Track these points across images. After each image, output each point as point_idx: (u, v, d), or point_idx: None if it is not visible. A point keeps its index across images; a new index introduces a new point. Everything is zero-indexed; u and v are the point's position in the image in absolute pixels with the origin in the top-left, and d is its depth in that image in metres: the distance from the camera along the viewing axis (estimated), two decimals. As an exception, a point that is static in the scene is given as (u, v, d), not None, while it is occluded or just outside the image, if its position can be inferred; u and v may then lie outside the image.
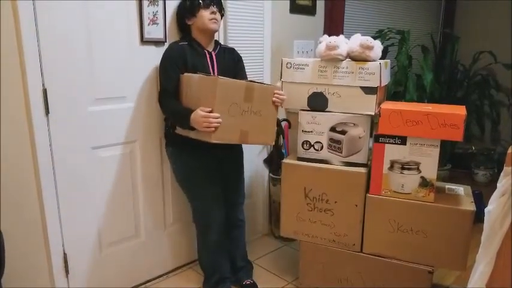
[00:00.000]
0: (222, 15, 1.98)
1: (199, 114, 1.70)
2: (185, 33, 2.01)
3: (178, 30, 2.06)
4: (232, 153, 2.10)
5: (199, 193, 2.01)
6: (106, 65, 1.89)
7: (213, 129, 1.68)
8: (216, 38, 2.30)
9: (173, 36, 2.08)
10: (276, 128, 1.90)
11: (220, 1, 1.97)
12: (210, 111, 1.69)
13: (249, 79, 1.97)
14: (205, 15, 1.89)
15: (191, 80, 1.83)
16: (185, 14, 1.94)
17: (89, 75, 1.84)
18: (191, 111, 1.74)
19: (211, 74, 1.93)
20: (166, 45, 2.07)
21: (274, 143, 1.90)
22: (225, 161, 2.06)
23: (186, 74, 1.87)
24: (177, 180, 2.09)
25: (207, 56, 1.96)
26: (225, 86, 1.69)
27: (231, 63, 2.05)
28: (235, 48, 2.12)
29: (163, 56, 1.93)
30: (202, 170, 1.97)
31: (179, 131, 1.90)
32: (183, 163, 2.00)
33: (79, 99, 1.83)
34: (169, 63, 1.90)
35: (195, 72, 1.86)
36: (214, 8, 1.91)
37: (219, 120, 1.68)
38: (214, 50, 2.00)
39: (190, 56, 1.90)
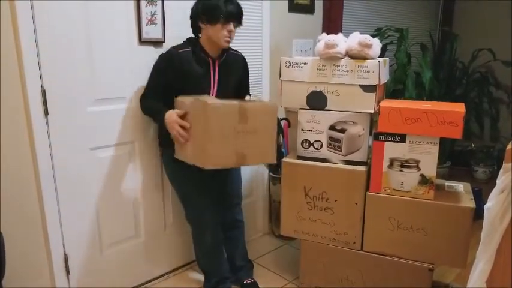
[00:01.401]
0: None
1: (172, 119, 1.73)
2: (194, 33, 1.94)
3: (191, 27, 1.94)
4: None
5: (191, 198, 2.01)
6: (105, 65, 1.89)
7: (183, 141, 1.72)
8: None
9: (172, 36, 2.08)
10: (276, 145, 1.78)
11: (242, 16, 1.86)
12: (184, 115, 1.71)
13: (245, 99, 1.92)
14: (222, 31, 1.81)
15: (184, 106, 1.76)
16: (201, 16, 1.84)
17: (87, 75, 1.84)
18: (166, 110, 1.77)
19: (211, 84, 1.90)
20: (165, 45, 2.07)
21: (275, 161, 1.80)
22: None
23: (179, 98, 1.80)
24: (170, 181, 2.11)
25: (210, 63, 1.91)
26: (216, 110, 1.61)
27: (235, 72, 2.01)
28: (237, 49, 2.10)
29: (158, 58, 1.91)
30: (194, 174, 1.88)
31: (177, 155, 1.86)
32: (175, 167, 1.98)
33: (78, 100, 1.83)
34: (160, 70, 1.88)
35: (191, 79, 1.84)
36: (232, 26, 1.82)
37: (185, 135, 1.70)
38: (219, 57, 1.93)
39: (189, 64, 1.86)
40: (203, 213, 2.00)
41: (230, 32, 1.82)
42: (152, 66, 1.93)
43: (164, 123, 1.78)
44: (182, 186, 2.03)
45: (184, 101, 1.76)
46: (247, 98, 2.08)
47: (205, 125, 1.62)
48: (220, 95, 1.92)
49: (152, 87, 1.92)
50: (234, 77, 2.01)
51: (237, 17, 1.83)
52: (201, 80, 1.89)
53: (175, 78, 1.86)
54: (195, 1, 1.89)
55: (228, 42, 1.86)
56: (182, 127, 1.72)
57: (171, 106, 1.83)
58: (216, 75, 1.92)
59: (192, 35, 1.95)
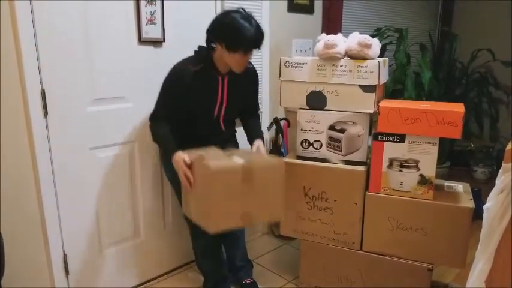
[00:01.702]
0: None
1: (180, 165, 1.67)
2: (206, 49, 1.80)
3: (205, 41, 1.81)
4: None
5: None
6: (104, 65, 1.89)
7: (187, 184, 1.67)
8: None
9: (172, 36, 2.08)
10: (283, 200, 1.71)
11: (262, 43, 1.75)
12: (190, 165, 1.66)
13: (247, 157, 1.77)
14: (238, 59, 1.72)
15: (190, 154, 1.71)
16: (221, 40, 1.71)
17: (87, 75, 1.84)
18: (176, 149, 1.72)
19: (218, 101, 1.85)
20: (165, 45, 2.07)
21: (283, 218, 1.73)
22: None
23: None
24: (169, 181, 2.11)
25: (220, 80, 1.84)
26: (219, 174, 1.54)
27: (244, 86, 1.93)
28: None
29: (168, 77, 1.81)
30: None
31: (184, 211, 1.83)
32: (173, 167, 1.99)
33: (77, 99, 1.83)
34: (172, 90, 1.80)
35: (199, 97, 1.78)
36: (250, 54, 1.74)
37: (191, 178, 1.65)
38: (228, 73, 1.84)
39: (198, 82, 1.78)
40: None
41: (247, 59, 1.75)
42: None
43: (171, 161, 1.73)
44: (180, 185, 2.03)
45: (191, 154, 1.69)
46: (256, 145, 1.92)
47: (207, 188, 1.56)
48: (227, 110, 1.89)
49: (164, 107, 1.83)
50: (242, 92, 1.94)
51: (258, 45, 1.72)
52: (209, 98, 1.84)
53: (184, 97, 1.79)
54: (217, 16, 1.76)
55: (243, 69, 1.79)
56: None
57: (179, 126, 1.82)
58: (225, 91, 1.86)
59: (202, 44, 1.84)
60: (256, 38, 1.69)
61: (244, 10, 1.72)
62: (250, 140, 1.98)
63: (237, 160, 1.61)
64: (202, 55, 1.81)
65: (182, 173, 1.68)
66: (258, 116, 2.12)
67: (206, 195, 1.58)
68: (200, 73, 1.77)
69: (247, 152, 1.84)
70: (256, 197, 1.61)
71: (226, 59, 1.74)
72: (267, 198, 1.65)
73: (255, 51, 1.76)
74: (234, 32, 1.67)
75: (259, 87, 2.48)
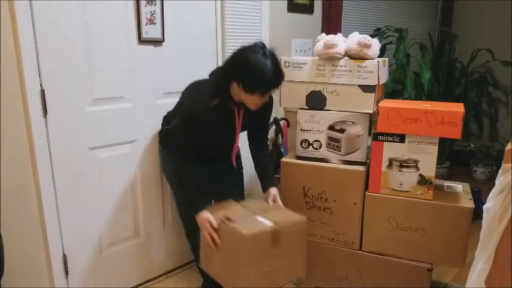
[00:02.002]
0: None
1: (206, 226, 1.63)
2: (224, 82, 1.69)
3: (221, 75, 1.70)
4: (231, 166, 2.02)
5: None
6: (104, 65, 1.89)
7: (212, 245, 1.63)
8: (214, 38, 2.31)
9: (171, 36, 2.08)
10: (306, 257, 1.70)
11: (282, 83, 1.68)
12: (217, 229, 1.61)
13: (271, 197, 1.79)
14: (256, 99, 1.65)
15: (214, 213, 1.68)
16: (239, 80, 1.62)
17: (87, 75, 1.84)
18: (203, 207, 1.67)
19: (236, 130, 1.79)
20: (165, 44, 2.07)
21: (304, 274, 1.73)
22: (222, 172, 2.01)
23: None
24: (166, 178, 2.11)
25: (236, 112, 1.75)
26: (250, 239, 1.51)
27: (259, 113, 1.81)
28: (234, 49, 2.05)
29: (187, 117, 1.70)
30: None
31: (201, 265, 1.79)
32: (173, 166, 1.97)
33: (77, 99, 1.83)
34: (192, 129, 1.70)
35: (216, 131, 1.74)
36: (267, 96, 1.68)
37: (217, 240, 1.62)
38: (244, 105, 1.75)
39: (217, 116, 1.71)
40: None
41: (264, 100, 1.68)
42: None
43: (195, 216, 1.68)
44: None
45: (215, 213, 1.67)
46: (272, 196, 1.86)
47: (237, 252, 1.56)
48: (241, 132, 1.87)
49: (189, 146, 1.73)
50: (256, 118, 1.87)
51: (277, 87, 1.66)
52: (224, 129, 1.79)
53: (202, 131, 1.72)
54: (236, 53, 1.65)
55: (257, 107, 1.70)
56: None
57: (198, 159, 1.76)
58: (240, 122, 1.79)
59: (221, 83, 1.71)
60: (275, 81, 1.63)
61: (263, 46, 1.63)
62: (264, 185, 1.92)
63: (264, 221, 1.60)
64: (220, 89, 1.69)
65: (208, 234, 1.64)
66: (267, 143, 2.04)
67: (234, 259, 1.58)
68: (218, 108, 1.69)
69: (267, 206, 1.81)
70: (282, 257, 1.62)
71: (242, 97, 1.66)
72: (292, 257, 1.65)
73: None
74: (252, 75, 1.59)
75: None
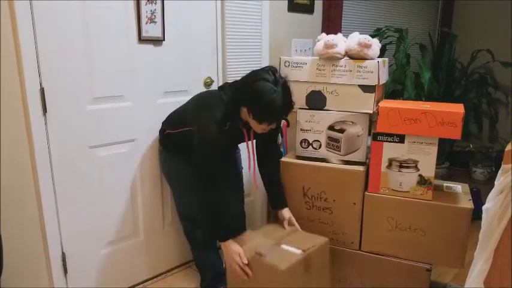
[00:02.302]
0: None
1: (236, 260, 1.64)
2: (234, 105, 1.72)
3: (232, 99, 1.73)
4: (231, 167, 2.06)
5: (185, 197, 1.98)
6: (104, 63, 1.89)
7: (244, 276, 1.64)
8: (214, 38, 2.31)
9: (172, 35, 2.08)
10: (330, 274, 1.80)
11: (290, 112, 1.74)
12: (248, 264, 1.64)
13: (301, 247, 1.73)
14: (263, 127, 1.69)
15: (242, 244, 1.73)
16: (246, 105, 1.66)
17: (86, 74, 1.84)
18: (229, 237, 1.69)
19: (247, 147, 1.83)
20: (165, 43, 2.07)
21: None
22: (221, 174, 2.02)
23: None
24: (165, 177, 2.12)
25: (245, 133, 1.82)
26: (286, 272, 1.55)
27: (269, 133, 1.83)
28: (234, 49, 2.07)
29: (203, 140, 1.69)
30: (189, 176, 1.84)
31: (230, 285, 1.80)
32: (173, 168, 1.99)
33: (77, 98, 1.83)
34: (214, 152, 1.69)
35: (227, 150, 1.78)
36: (274, 124, 1.71)
37: (249, 272, 1.65)
38: None
39: (229, 138, 1.76)
40: (196, 212, 1.99)
41: (272, 127, 1.71)
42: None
43: (222, 244, 1.71)
44: (178, 187, 2.03)
45: (246, 247, 1.71)
46: (287, 218, 1.92)
47: (274, 286, 1.60)
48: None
49: (209, 172, 1.71)
50: (266, 136, 1.88)
51: (285, 116, 1.72)
52: (235, 145, 1.86)
53: (218, 156, 1.72)
54: (246, 80, 1.68)
55: (265, 132, 1.74)
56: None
57: None
58: (252, 137, 1.85)
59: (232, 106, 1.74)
60: (283, 111, 1.66)
61: (275, 72, 1.65)
62: (275, 205, 1.97)
63: (292, 249, 1.67)
64: (231, 113, 1.72)
65: (239, 268, 1.65)
66: (279, 162, 2.04)
67: None
68: (230, 129, 1.73)
69: (286, 231, 1.88)
70: (312, 279, 1.70)
71: (250, 122, 1.70)
72: (320, 277, 1.75)
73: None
74: (261, 106, 1.62)
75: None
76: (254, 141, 1.93)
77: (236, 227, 2.05)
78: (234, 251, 1.66)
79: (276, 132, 2.00)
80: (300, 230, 1.88)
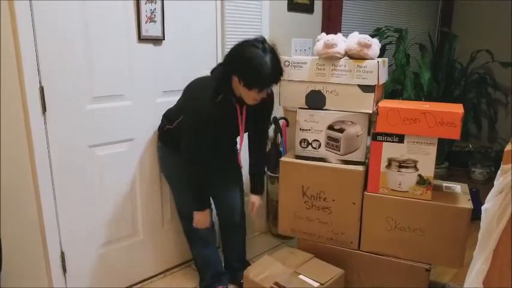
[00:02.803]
0: None
1: (205, 222, 1.90)
2: (225, 78, 1.72)
3: (223, 71, 1.74)
4: (230, 162, 2.07)
5: (185, 196, 1.98)
6: (104, 63, 1.88)
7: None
8: (214, 37, 2.31)
9: (172, 34, 2.08)
10: None
11: (281, 79, 1.72)
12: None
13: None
14: (254, 95, 1.68)
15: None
16: (238, 75, 1.66)
17: (86, 73, 1.84)
18: (208, 206, 1.90)
19: (236, 128, 1.84)
20: (164, 43, 2.07)
21: None
22: (218, 163, 2.02)
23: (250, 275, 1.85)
24: (164, 176, 2.12)
25: (238, 109, 1.81)
26: None
27: (261, 112, 1.92)
28: (238, 46, 2.05)
29: (195, 115, 1.72)
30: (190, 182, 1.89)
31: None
32: (172, 164, 1.99)
33: (76, 97, 1.83)
34: (204, 127, 1.73)
35: (221, 127, 1.77)
36: (265, 92, 1.70)
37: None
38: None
39: (222, 112, 1.74)
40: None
41: (262, 96, 1.71)
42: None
43: (198, 211, 1.89)
44: (177, 183, 2.03)
45: (259, 276, 1.82)
46: (252, 201, 2.10)
47: None
48: (245, 130, 1.90)
49: (201, 146, 1.77)
50: (259, 117, 1.93)
51: (275, 83, 1.70)
52: (229, 125, 1.83)
53: (209, 129, 1.76)
54: (236, 47, 1.69)
55: (256, 103, 1.74)
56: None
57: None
58: (244, 120, 1.84)
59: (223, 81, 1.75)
60: (273, 78, 1.66)
61: (264, 41, 1.66)
62: (252, 189, 2.10)
63: (310, 281, 1.77)
64: (222, 85, 1.73)
65: (199, 226, 1.92)
66: (265, 148, 2.12)
67: None
68: (222, 104, 1.73)
69: (300, 258, 1.97)
70: None
71: (241, 92, 1.71)
72: None
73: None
74: (251, 71, 1.62)
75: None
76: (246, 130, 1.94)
77: (231, 221, 2.12)
78: (206, 214, 1.89)
79: (268, 114, 2.04)
80: (315, 257, 1.97)
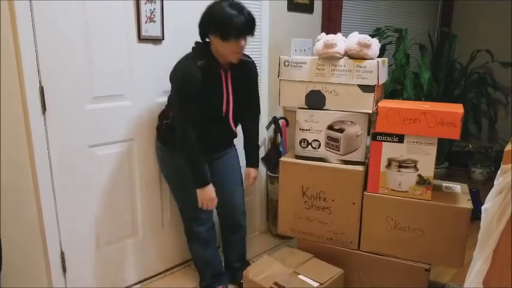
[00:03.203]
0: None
1: (210, 196, 1.86)
2: (204, 44, 1.81)
3: (199, 34, 1.81)
4: (226, 155, 2.07)
5: (184, 195, 1.99)
6: (104, 63, 1.88)
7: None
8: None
9: (171, 34, 2.08)
10: None
11: (255, 27, 1.76)
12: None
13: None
14: (233, 46, 1.71)
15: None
16: (212, 30, 1.72)
17: (86, 73, 1.84)
18: (208, 182, 1.85)
19: (224, 96, 1.84)
20: (164, 43, 2.07)
21: None
22: (218, 163, 2.03)
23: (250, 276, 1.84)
24: (164, 176, 2.12)
25: (223, 76, 1.83)
26: None
27: (247, 82, 1.95)
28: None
29: (179, 81, 1.75)
30: (189, 172, 1.88)
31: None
32: (171, 163, 1.99)
33: (76, 97, 1.83)
34: (191, 91, 1.73)
35: (208, 94, 1.77)
36: (243, 41, 1.73)
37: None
38: (231, 67, 1.85)
39: (206, 77, 1.75)
40: (195, 210, 1.99)
41: (241, 46, 1.74)
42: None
43: (201, 188, 1.85)
44: (177, 182, 2.03)
45: (259, 275, 1.83)
46: (247, 173, 2.14)
47: None
48: (234, 108, 1.89)
49: (189, 112, 1.77)
50: (246, 88, 1.95)
51: (250, 30, 1.74)
52: (216, 93, 1.83)
53: (199, 95, 1.75)
54: (206, 8, 1.76)
55: (238, 57, 1.79)
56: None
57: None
58: (230, 87, 1.85)
59: (202, 46, 1.83)
60: (246, 24, 1.71)
61: (231, 1, 1.74)
62: (247, 162, 2.14)
63: (309, 281, 1.78)
64: (202, 50, 1.80)
65: (206, 205, 1.88)
66: (258, 121, 2.14)
67: None
68: (205, 68, 1.76)
69: (300, 258, 1.97)
70: None
71: (221, 50, 1.74)
72: None
73: (249, 40, 1.78)
74: (223, 21, 1.68)
75: (259, 86, 2.48)
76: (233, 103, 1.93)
77: (232, 220, 2.12)
78: (212, 190, 1.87)
79: (256, 91, 2.08)
80: (315, 257, 1.98)
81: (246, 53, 2.46)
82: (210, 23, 1.73)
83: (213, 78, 1.80)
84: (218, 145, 2.00)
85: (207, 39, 1.79)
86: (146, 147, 2.11)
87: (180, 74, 1.76)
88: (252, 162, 2.13)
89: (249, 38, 1.77)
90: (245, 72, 1.92)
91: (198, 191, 1.85)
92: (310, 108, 1.97)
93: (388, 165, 1.85)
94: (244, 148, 2.13)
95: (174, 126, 1.83)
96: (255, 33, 2.52)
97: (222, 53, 1.76)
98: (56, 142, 1.79)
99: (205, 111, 1.81)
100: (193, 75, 1.73)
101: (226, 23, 1.68)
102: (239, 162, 2.14)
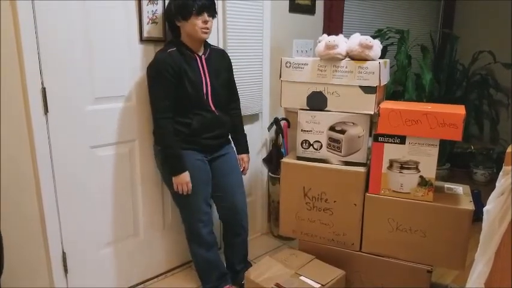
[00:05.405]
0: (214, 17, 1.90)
1: (185, 180, 1.88)
2: (174, 35, 1.94)
3: (168, 29, 1.98)
4: (226, 156, 2.08)
5: (184, 198, 1.97)
6: (105, 64, 1.89)
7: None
8: (215, 37, 2.31)
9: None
10: None
11: (214, 6, 1.88)
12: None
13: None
14: (197, 23, 1.82)
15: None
16: (175, 15, 1.85)
17: (88, 74, 1.84)
18: (184, 169, 1.88)
19: (203, 79, 1.91)
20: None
21: None
22: (217, 163, 2.04)
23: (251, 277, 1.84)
24: (162, 179, 2.11)
25: (198, 60, 1.91)
26: None
27: (222, 67, 2.03)
28: (235, 49, 2.10)
29: (152, 69, 1.85)
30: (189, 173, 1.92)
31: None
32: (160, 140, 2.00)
33: (78, 98, 1.83)
34: (164, 78, 1.82)
35: (186, 79, 1.85)
36: (206, 16, 1.83)
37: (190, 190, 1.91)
38: (204, 53, 1.94)
39: (179, 62, 1.84)
40: (197, 212, 1.98)
41: (206, 22, 1.83)
42: (150, 76, 1.87)
43: (176, 175, 1.89)
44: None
45: (260, 276, 1.83)
46: (240, 158, 2.19)
47: None
48: (213, 90, 1.94)
49: (164, 99, 1.85)
50: (222, 73, 2.02)
51: (208, 6, 1.83)
52: (194, 79, 1.88)
53: (174, 79, 1.83)
54: (168, 3, 1.92)
55: (206, 33, 1.86)
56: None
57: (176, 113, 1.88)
58: (206, 71, 1.93)
59: (172, 38, 1.96)
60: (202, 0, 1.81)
61: None
62: (238, 150, 2.20)
63: (310, 282, 1.78)
64: (171, 41, 1.93)
65: (181, 190, 1.90)
66: (239, 108, 2.21)
67: None
68: (177, 54, 1.85)
69: (301, 259, 1.97)
70: None
71: (188, 30, 1.84)
72: None
73: (211, 20, 1.87)
74: (181, 3, 1.81)
75: (260, 87, 2.49)
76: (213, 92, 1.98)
77: (234, 222, 2.12)
78: (187, 177, 1.90)
79: (232, 75, 2.13)
80: (316, 259, 1.97)
81: (249, 53, 2.47)
82: (172, 11, 1.86)
83: (188, 61, 1.88)
84: (211, 137, 1.99)
85: (179, 34, 1.90)
86: (148, 148, 2.11)
87: (152, 63, 1.86)
88: (242, 150, 2.21)
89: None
90: (219, 58, 2.02)
91: (174, 178, 1.89)
92: (311, 109, 1.97)
93: (390, 166, 1.85)
94: (232, 138, 2.19)
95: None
96: (257, 34, 2.53)
97: (191, 34, 1.85)
98: (57, 143, 1.80)
99: (188, 96, 1.87)
100: (164, 61, 1.82)
101: (184, 3, 1.80)
102: (236, 160, 2.14)
